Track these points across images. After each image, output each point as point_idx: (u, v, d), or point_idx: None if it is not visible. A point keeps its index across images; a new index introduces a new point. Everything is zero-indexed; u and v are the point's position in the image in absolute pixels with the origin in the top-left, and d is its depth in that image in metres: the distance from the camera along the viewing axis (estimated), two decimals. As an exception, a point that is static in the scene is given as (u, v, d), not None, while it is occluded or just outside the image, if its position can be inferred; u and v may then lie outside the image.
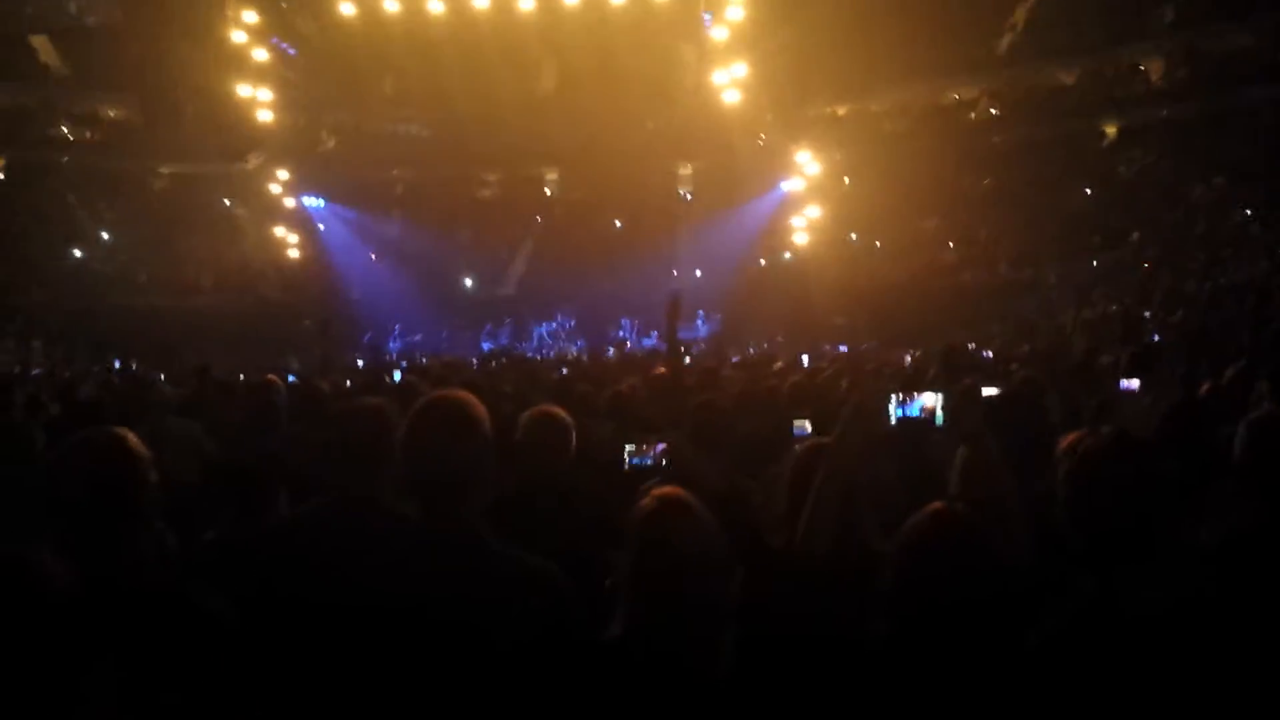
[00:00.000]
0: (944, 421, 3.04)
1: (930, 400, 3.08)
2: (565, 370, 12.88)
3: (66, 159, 33.97)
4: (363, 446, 3.36)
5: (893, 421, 3.04)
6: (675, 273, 31.94)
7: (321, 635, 2.57)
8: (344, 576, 2.57)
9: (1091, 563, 2.40)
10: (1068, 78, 35.02)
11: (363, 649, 2.46)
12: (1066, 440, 2.79)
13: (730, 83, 25.99)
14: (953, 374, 6.97)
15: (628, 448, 3.76)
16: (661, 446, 3.64)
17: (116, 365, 21.95)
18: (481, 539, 2.55)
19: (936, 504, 2.60)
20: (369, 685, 2.42)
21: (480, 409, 2.63)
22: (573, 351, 27.77)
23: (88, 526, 2.45)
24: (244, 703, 2.48)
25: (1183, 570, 2.40)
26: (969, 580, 2.39)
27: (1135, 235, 28.33)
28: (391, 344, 29.81)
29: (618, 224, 33.74)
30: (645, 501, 2.69)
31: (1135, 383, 7.22)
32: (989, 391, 5.82)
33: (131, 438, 2.61)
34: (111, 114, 35.26)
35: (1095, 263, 27.96)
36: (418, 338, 29.91)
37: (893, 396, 3.08)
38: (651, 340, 28.26)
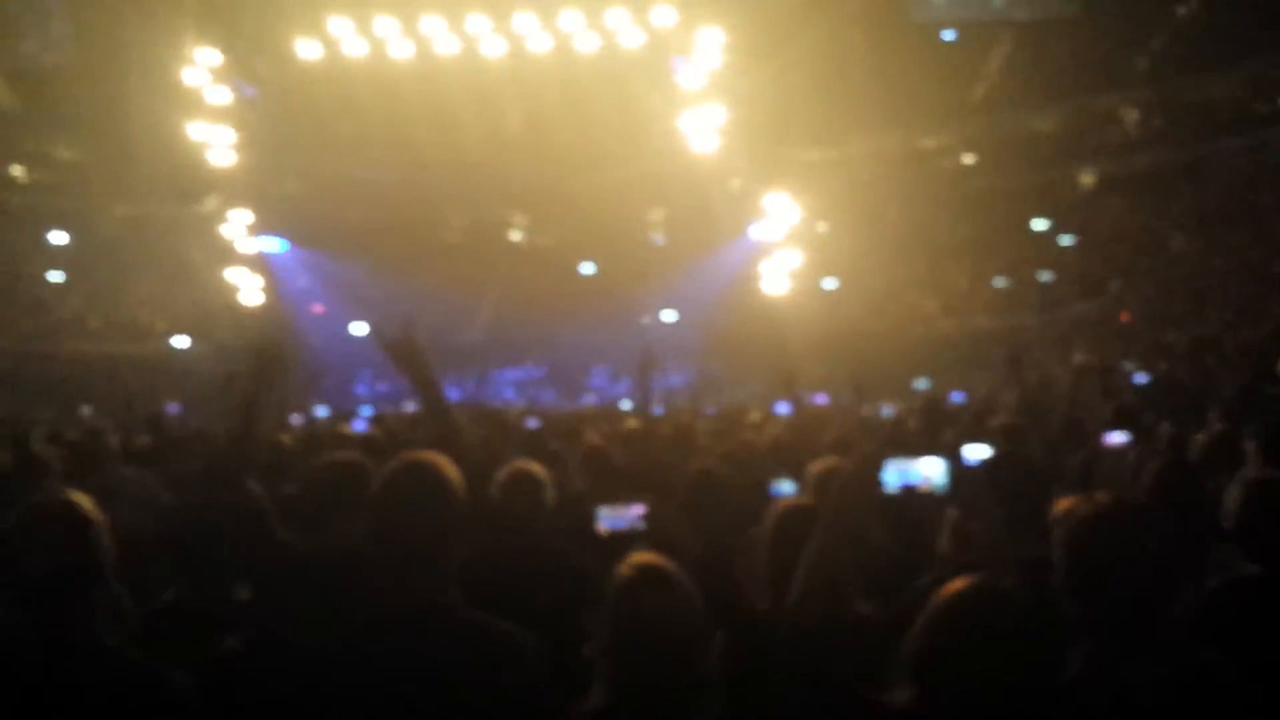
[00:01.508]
0: (946, 489, 2.98)
1: (930, 468, 3.05)
2: (536, 421, 12.48)
3: (18, 200, 33.47)
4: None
5: (892, 490, 2.99)
6: (647, 320, 31.56)
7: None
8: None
9: (1086, 629, 2.42)
10: (1044, 125, 35.09)
11: None
12: (1061, 505, 2.63)
13: (703, 128, 25.73)
14: (933, 428, 6.96)
15: (602, 511, 3.70)
16: (639, 509, 3.58)
17: (86, 411, 21.56)
18: (451, 609, 2.53)
19: (975, 576, 2.55)
20: None
21: (450, 471, 2.60)
22: (541, 401, 27.19)
23: (45, 596, 2.47)
24: None
25: (1178, 637, 2.41)
26: (1007, 656, 2.37)
27: (1114, 285, 28.10)
28: (359, 389, 29.18)
29: (589, 270, 33.39)
30: (623, 569, 2.65)
31: (1121, 436, 7.18)
32: (974, 450, 5.86)
33: (85, 503, 2.61)
34: (65, 154, 34.94)
35: (1076, 312, 27.71)
36: (384, 387, 29.25)
37: (889, 463, 3.00)
38: (624, 386, 27.76)
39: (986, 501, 3.07)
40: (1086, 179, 34.90)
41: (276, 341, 3.90)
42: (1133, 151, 33.56)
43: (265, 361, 3.85)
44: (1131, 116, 34.24)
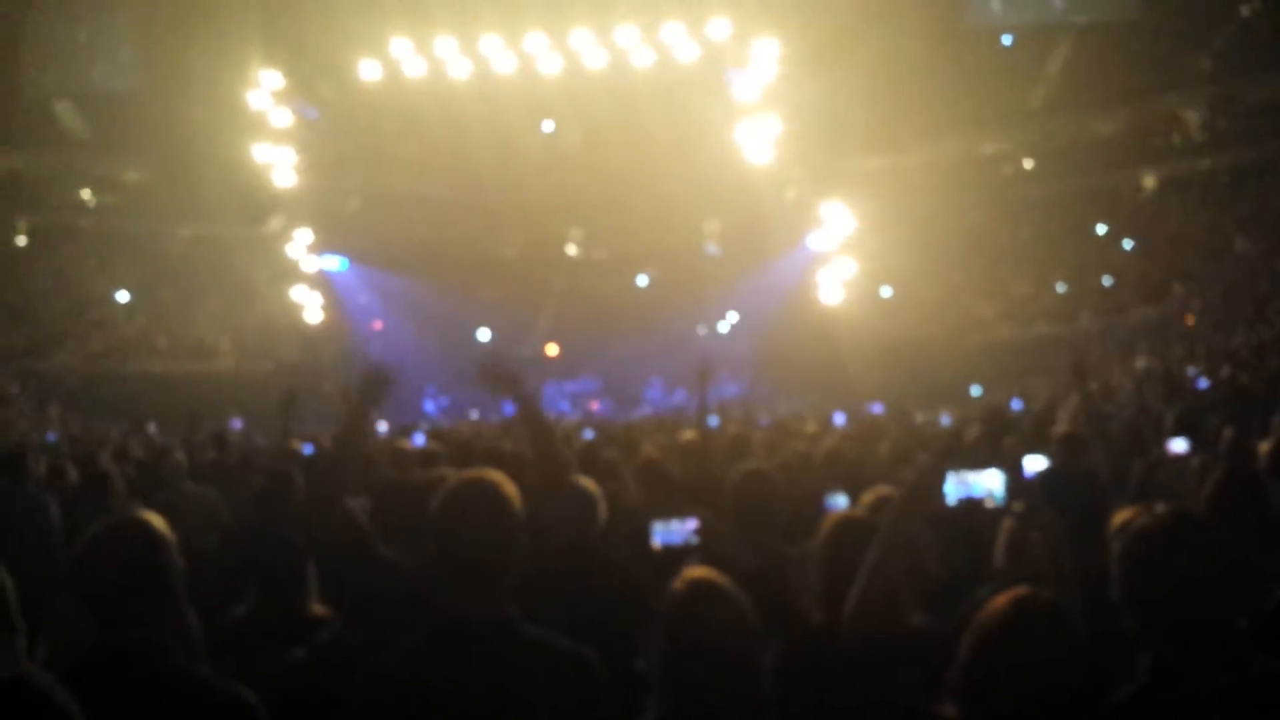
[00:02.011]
0: (1005, 500, 2.92)
1: (991, 480, 2.93)
2: (591, 433, 12.55)
3: (87, 223, 34.26)
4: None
5: (951, 502, 2.91)
6: (703, 330, 31.51)
7: None
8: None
9: (1147, 643, 2.37)
10: (1104, 129, 34.58)
11: None
12: (1120, 516, 2.64)
13: (758, 139, 25.71)
14: (994, 437, 6.86)
15: (656, 525, 3.64)
16: (693, 523, 3.53)
17: (152, 429, 21.87)
18: (515, 625, 2.53)
19: (1019, 590, 2.55)
20: None
21: (510, 489, 2.60)
22: (598, 412, 27.26)
23: (116, 614, 2.51)
24: None
25: (1242, 648, 2.36)
26: (1049, 670, 2.38)
27: (1177, 289, 27.61)
28: (427, 405, 29.43)
29: (644, 282, 33.41)
30: (677, 584, 2.67)
31: (1183, 444, 6.99)
32: (1034, 461, 5.74)
33: (156, 523, 2.65)
34: (132, 177, 35.70)
35: (1138, 317, 27.23)
36: (446, 401, 29.53)
37: (949, 475, 2.94)
38: (680, 397, 27.72)
39: (1045, 513, 3.00)
40: (1148, 182, 34.36)
41: (383, 365, 3.93)
42: (1195, 154, 32.97)
43: (373, 384, 3.87)
44: (1194, 118, 33.65)
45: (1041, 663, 2.37)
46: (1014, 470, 4.93)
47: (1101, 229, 33.45)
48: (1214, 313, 24.31)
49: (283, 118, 26.31)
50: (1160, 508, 2.47)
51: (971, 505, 2.95)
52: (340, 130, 28.88)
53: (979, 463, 3.04)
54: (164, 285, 34.33)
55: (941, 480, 2.90)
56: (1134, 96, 33.61)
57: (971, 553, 4.51)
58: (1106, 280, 30.53)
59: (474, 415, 24.58)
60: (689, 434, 7.83)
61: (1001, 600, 2.49)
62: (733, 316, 31.88)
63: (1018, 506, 2.89)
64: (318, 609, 3.92)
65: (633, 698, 2.63)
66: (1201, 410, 11.14)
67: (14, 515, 6.22)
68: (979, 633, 2.47)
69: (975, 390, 21.38)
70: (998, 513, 2.96)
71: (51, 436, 20.26)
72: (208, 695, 2.48)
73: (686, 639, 2.54)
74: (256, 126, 26.12)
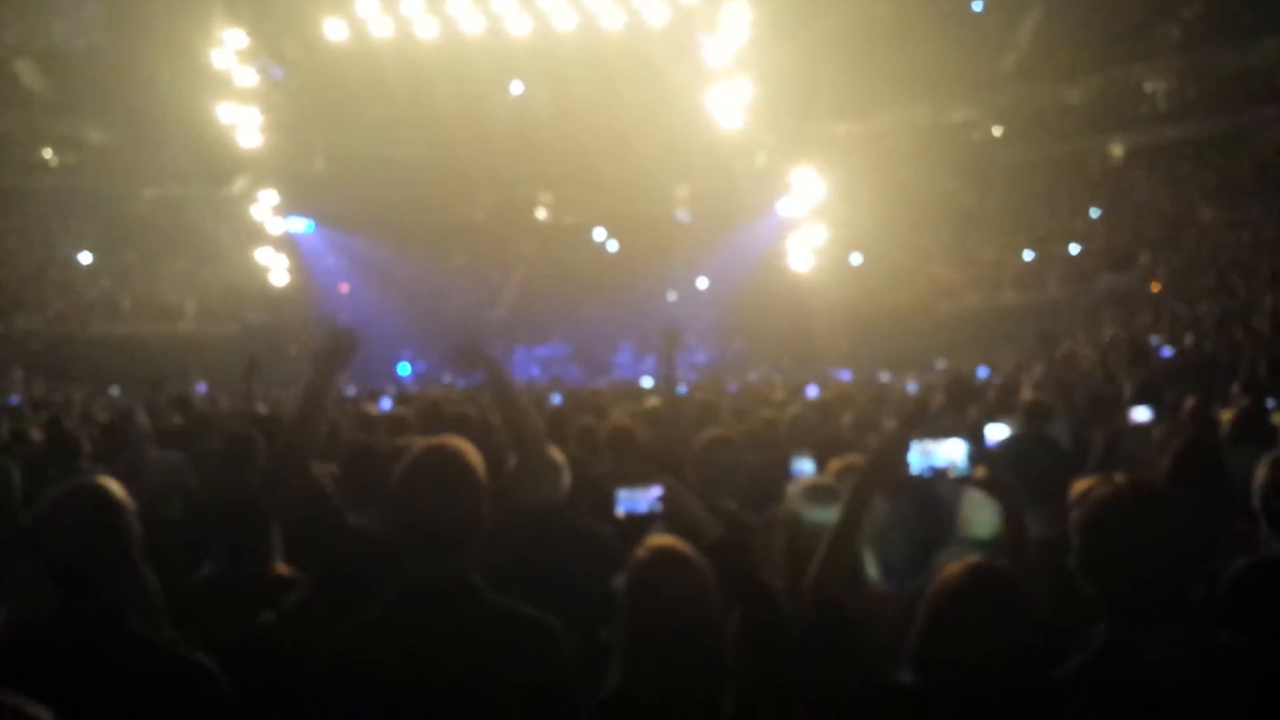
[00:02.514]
0: (966, 469, 2.90)
1: (953, 449, 2.92)
2: (560, 398, 12.59)
3: (49, 183, 33.85)
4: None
5: (914, 472, 2.90)
6: (673, 296, 31.53)
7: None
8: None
9: (1105, 610, 2.40)
10: (1073, 97, 34.70)
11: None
12: (1079, 486, 2.62)
13: (729, 104, 25.62)
14: (958, 405, 6.91)
15: (620, 493, 3.58)
16: (657, 491, 3.45)
17: (115, 392, 21.81)
18: (479, 594, 2.52)
19: (973, 559, 2.56)
20: None
21: (474, 458, 2.58)
22: (566, 378, 27.23)
23: (75, 581, 2.50)
24: None
25: (1198, 619, 2.44)
26: (1004, 638, 2.38)
27: (1143, 257, 27.81)
28: (403, 369, 29.39)
29: (612, 246, 33.37)
30: (639, 552, 2.67)
31: (1145, 412, 7.02)
32: (997, 429, 5.86)
33: (115, 488, 2.62)
34: (94, 137, 35.18)
35: (1104, 286, 27.43)
36: (423, 366, 29.52)
37: (913, 444, 2.94)
38: (649, 363, 27.75)
39: (1004, 481, 3.01)
40: (1116, 151, 34.55)
41: (348, 329, 3.88)
42: (1163, 123, 33.18)
43: (337, 348, 3.83)
44: (1162, 87, 33.82)
45: (996, 630, 2.37)
46: (976, 438, 4.99)
47: (1069, 197, 33.69)
48: (1179, 281, 24.50)
49: (247, 77, 25.97)
50: (1119, 478, 2.48)
51: (935, 475, 2.96)
52: (306, 91, 28.57)
53: (943, 431, 3.03)
54: (127, 247, 33.96)
55: (905, 449, 2.89)
56: (1103, 65, 33.75)
57: (934, 521, 4.56)
58: (1073, 248, 30.72)
59: (448, 379, 24.57)
60: (655, 401, 7.85)
61: (956, 568, 2.49)
62: (702, 282, 31.88)
63: (979, 474, 2.86)
64: (282, 570, 3.96)
65: (597, 666, 2.64)
66: (1164, 379, 11.30)
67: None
68: (934, 600, 2.48)
69: (940, 363, 21.47)
70: (960, 481, 2.90)
71: (15, 399, 20.13)
72: (166, 663, 2.48)
73: (648, 607, 2.55)
74: (221, 86, 25.77)
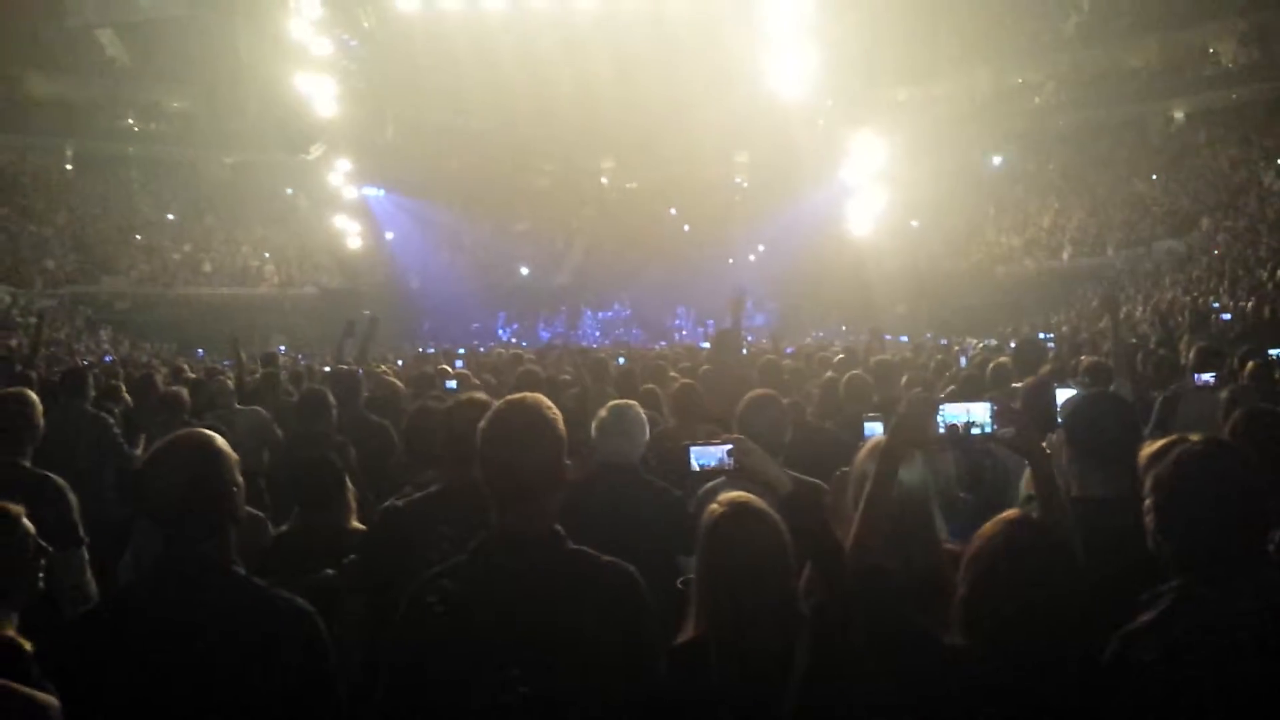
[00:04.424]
0: (989, 431, 2.86)
1: (979, 411, 2.90)
2: (624, 360, 12.78)
3: (132, 149, 34.74)
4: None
5: (942, 429, 2.87)
6: (731, 261, 31.88)
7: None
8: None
9: (1177, 567, 2.36)
10: (1134, 60, 34.39)
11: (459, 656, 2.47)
12: (1148, 449, 2.61)
13: (790, 69, 25.78)
14: (1027, 369, 6.88)
15: (693, 448, 3.45)
16: (728, 446, 3.32)
17: (200, 355, 22.42)
18: (560, 540, 2.54)
19: (1010, 512, 2.58)
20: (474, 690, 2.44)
21: (553, 411, 2.61)
22: (629, 340, 27.80)
23: (179, 527, 2.54)
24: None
25: (1269, 576, 2.33)
26: (1045, 589, 2.38)
27: (1204, 222, 27.74)
28: (501, 332, 30.22)
29: (673, 212, 33.68)
30: (714, 507, 2.71)
31: (1210, 376, 6.93)
32: (1063, 392, 5.67)
33: (218, 439, 2.67)
34: (175, 105, 36.06)
35: (1164, 250, 27.37)
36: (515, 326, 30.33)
37: (940, 407, 2.92)
38: (708, 329, 28.18)
39: (1033, 440, 2.96)
40: (1178, 113, 34.24)
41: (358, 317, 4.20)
42: (1226, 85, 32.77)
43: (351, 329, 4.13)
44: (1225, 50, 33.41)
45: (1036, 582, 2.39)
46: (1042, 399, 5.28)
47: (1130, 160, 33.48)
48: (1240, 245, 24.37)
49: (323, 47, 26.51)
50: (1195, 436, 2.46)
51: (961, 433, 2.92)
52: (378, 61, 29.09)
53: (971, 394, 3.16)
54: (208, 211, 34.88)
55: (929, 413, 2.89)
56: (1165, 27, 33.40)
57: (993, 482, 4.71)
58: (1134, 213, 30.61)
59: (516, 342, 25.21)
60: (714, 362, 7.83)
61: (990, 525, 2.52)
62: (761, 248, 32.19)
63: (1004, 433, 2.84)
64: (356, 526, 4.13)
65: (673, 615, 2.71)
66: (1225, 343, 11.48)
67: (80, 431, 6.34)
68: (973, 559, 2.51)
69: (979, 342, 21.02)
70: (986, 439, 2.87)
71: (109, 358, 20.82)
72: (270, 605, 2.53)
73: (724, 559, 2.61)
74: (298, 56, 26.33)
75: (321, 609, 2.62)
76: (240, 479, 2.65)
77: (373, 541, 3.69)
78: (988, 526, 2.54)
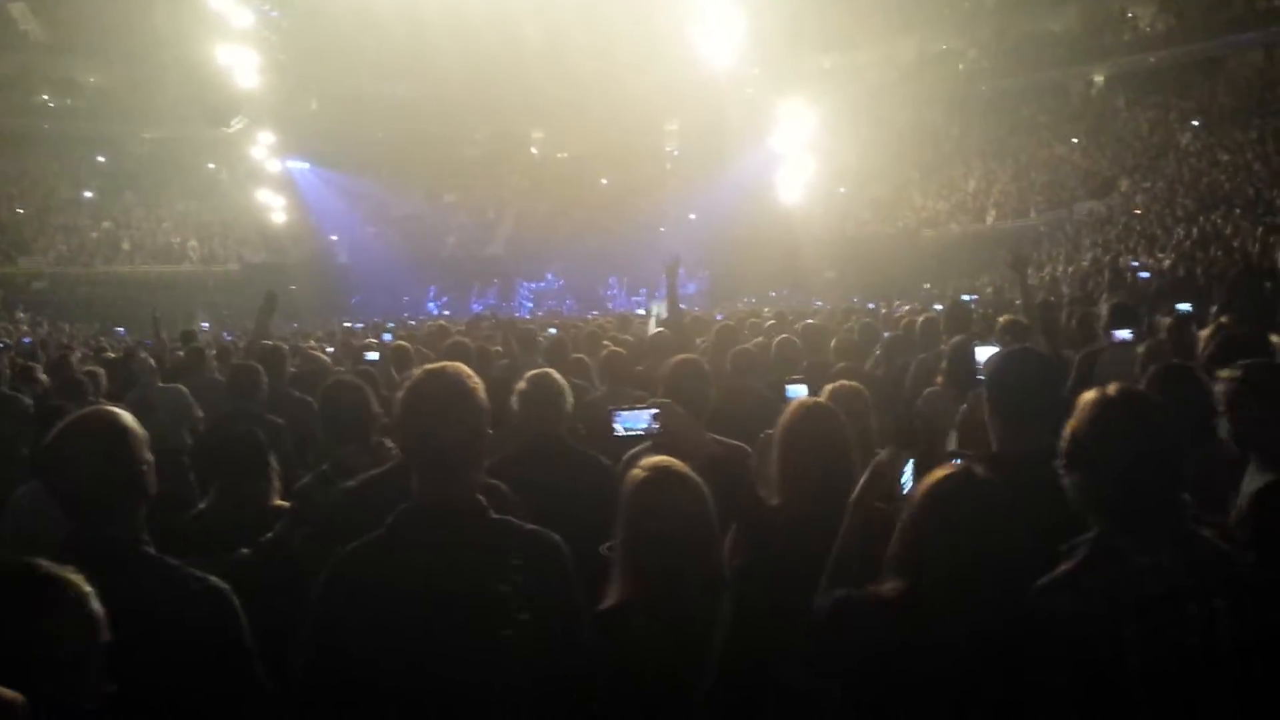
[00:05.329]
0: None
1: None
2: (555, 331, 12.83)
3: (47, 126, 33.80)
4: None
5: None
6: (663, 229, 31.96)
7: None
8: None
9: (1095, 519, 2.36)
10: (1056, 26, 34.87)
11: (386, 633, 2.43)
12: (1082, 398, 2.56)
13: (717, 38, 25.76)
14: (953, 329, 6.97)
15: (617, 414, 3.61)
16: (652, 411, 3.47)
17: (122, 333, 21.99)
18: (483, 510, 2.50)
19: (953, 464, 2.57)
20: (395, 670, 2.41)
21: (474, 380, 2.55)
22: (562, 311, 27.78)
23: (87, 505, 2.48)
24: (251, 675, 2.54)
25: (1186, 527, 2.34)
26: (981, 539, 2.36)
27: (1123, 183, 28.30)
28: (431, 305, 29.95)
29: (604, 181, 33.64)
30: (636, 471, 2.68)
31: (1127, 333, 7.07)
32: (984, 350, 5.73)
33: (126, 416, 2.60)
34: (92, 80, 35.09)
35: (1084, 211, 27.89)
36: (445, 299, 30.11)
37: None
38: (640, 298, 28.25)
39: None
40: (1098, 78, 34.79)
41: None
42: (1144, 49, 33.31)
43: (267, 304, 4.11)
44: (1144, 14, 33.96)
45: (972, 531, 2.37)
46: (966, 358, 5.37)
47: (1051, 124, 34.01)
48: (1158, 206, 24.87)
49: (243, 18, 26.00)
50: (1113, 387, 2.46)
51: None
52: (301, 31, 28.53)
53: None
54: (128, 188, 34.12)
55: (896, 478, 2.88)
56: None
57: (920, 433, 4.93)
58: (1054, 175, 31.14)
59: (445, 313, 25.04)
60: (645, 328, 7.81)
61: (938, 475, 2.50)
62: (692, 216, 32.30)
63: (971, 399, 2.95)
64: (279, 503, 4.01)
65: (598, 581, 2.69)
66: (1143, 300, 11.74)
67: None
68: (911, 503, 2.49)
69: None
70: (947, 395, 2.80)
71: (27, 340, 20.42)
72: (181, 584, 2.48)
73: (646, 523, 2.58)
74: (217, 27, 25.77)
75: (237, 587, 2.56)
76: (149, 457, 2.58)
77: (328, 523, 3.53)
78: (935, 477, 2.49)
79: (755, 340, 7.62)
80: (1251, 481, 3.15)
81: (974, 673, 2.35)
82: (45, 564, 1.99)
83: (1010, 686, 2.32)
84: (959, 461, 2.88)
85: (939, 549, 2.38)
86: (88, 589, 1.97)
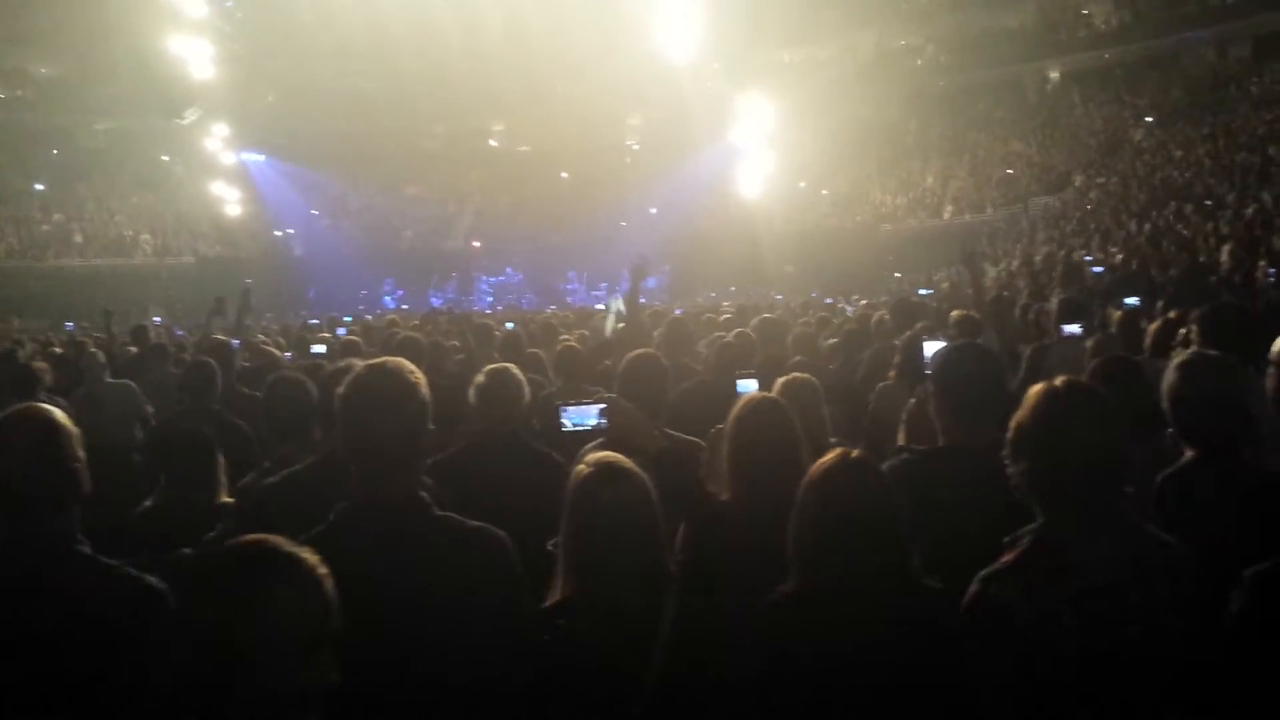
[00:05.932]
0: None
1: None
2: (512, 325, 12.77)
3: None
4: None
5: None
6: (624, 224, 31.92)
7: None
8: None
9: (1038, 509, 2.37)
10: (1012, 22, 35.17)
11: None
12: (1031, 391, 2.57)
13: (678, 31, 25.74)
14: (903, 324, 7.02)
15: (565, 409, 3.62)
16: (600, 406, 3.50)
17: (69, 328, 21.69)
18: (424, 506, 2.48)
19: (834, 451, 2.58)
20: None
21: (416, 376, 2.52)
22: (521, 305, 27.66)
23: (18, 505, 2.43)
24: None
25: (1126, 519, 2.37)
26: (869, 530, 2.39)
27: (1078, 178, 28.57)
28: (387, 300, 29.67)
29: (565, 175, 33.55)
30: (580, 467, 2.66)
31: (1076, 327, 7.09)
32: (932, 345, 5.75)
33: (59, 413, 2.55)
34: (43, 71, 34.52)
35: (1040, 206, 28.13)
36: (401, 293, 29.84)
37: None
38: (600, 293, 28.18)
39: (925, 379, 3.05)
40: (1053, 74, 35.11)
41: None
42: (1099, 45, 33.64)
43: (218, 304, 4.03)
44: (1099, 10, 34.31)
45: (860, 520, 2.39)
46: (917, 352, 5.42)
47: (1007, 120, 34.30)
48: (1112, 201, 25.10)
49: (197, 8, 25.67)
50: (1059, 379, 2.47)
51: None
52: (256, 21, 28.29)
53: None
54: (80, 180, 33.60)
55: None
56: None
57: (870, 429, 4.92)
58: (1010, 170, 31.39)
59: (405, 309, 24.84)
60: (602, 324, 7.81)
61: (820, 463, 2.52)
62: (653, 210, 32.29)
63: (919, 392, 2.94)
64: (227, 500, 3.96)
65: (544, 578, 2.66)
66: (1096, 294, 11.83)
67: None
68: (802, 495, 2.51)
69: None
70: (899, 389, 2.83)
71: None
72: (118, 584, 2.43)
73: (589, 520, 2.56)
74: (171, 17, 25.42)
75: (178, 586, 2.46)
76: (82, 455, 2.52)
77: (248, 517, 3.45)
78: (817, 466, 2.53)
79: (714, 335, 7.61)
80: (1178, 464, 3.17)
81: (896, 662, 2.35)
82: (285, 543, 1.91)
83: (945, 676, 2.33)
84: (905, 455, 2.98)
85: (825, 532, 2.42)
86: (324, 570, 1.91)
